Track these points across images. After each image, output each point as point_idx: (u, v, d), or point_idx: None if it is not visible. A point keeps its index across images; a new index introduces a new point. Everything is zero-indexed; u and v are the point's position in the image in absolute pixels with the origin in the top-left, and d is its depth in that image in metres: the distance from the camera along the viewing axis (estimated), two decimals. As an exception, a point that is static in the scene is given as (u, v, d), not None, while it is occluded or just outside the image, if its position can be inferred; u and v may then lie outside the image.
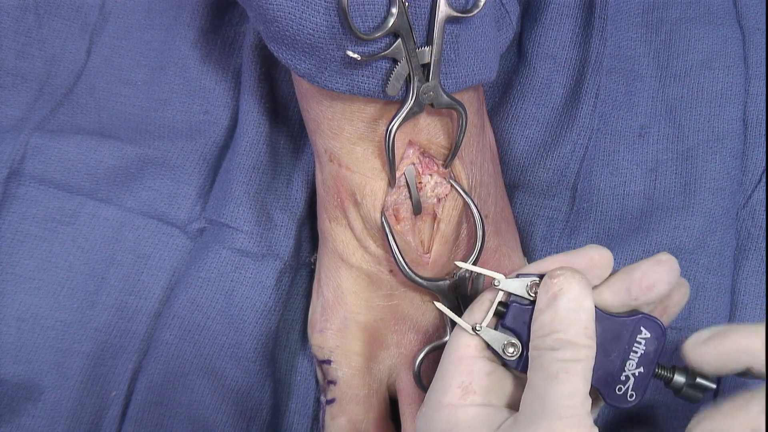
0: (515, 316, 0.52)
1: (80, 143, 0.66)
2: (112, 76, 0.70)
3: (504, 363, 0.53)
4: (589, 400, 0.47)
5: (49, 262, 0.63)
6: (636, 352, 0.51)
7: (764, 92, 0.65)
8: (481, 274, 0.59)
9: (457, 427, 0.50)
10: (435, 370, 0.61)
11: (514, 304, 0.52)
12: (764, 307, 0.65)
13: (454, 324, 0.59)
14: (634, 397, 0.52)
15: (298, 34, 0.47)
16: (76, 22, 0.70)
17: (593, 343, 0.48)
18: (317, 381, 0.66)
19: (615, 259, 0.62)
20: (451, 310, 0.58)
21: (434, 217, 0.58)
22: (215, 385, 0.62)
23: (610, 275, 0.53)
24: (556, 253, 0.65)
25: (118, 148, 0.67)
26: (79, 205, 0.65)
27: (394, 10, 0.47)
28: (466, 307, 0.58)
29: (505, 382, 0.53)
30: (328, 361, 0.61)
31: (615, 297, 0.53)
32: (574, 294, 0.49)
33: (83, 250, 0.64)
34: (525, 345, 0.52)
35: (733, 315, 0.65)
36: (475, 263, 0.58)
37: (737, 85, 0.65)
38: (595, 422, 0.48)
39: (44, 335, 0.62)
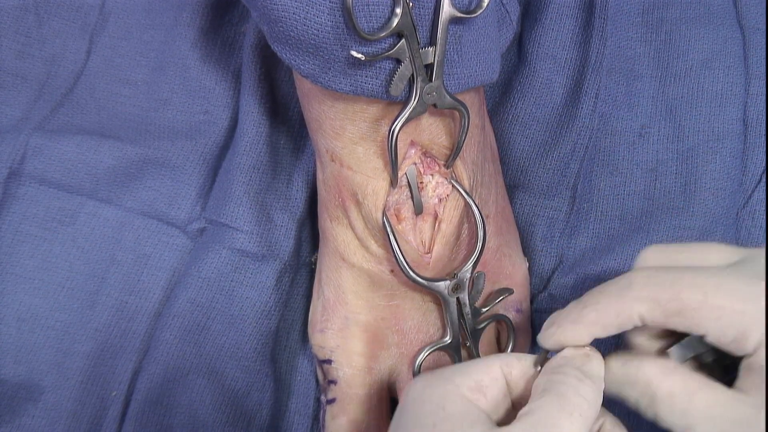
0: None
1: (80, 143, 0.66)
2: (112, 76, 0.70)
3: None
4: None
5: (49, 262, 0.63)
6: None
7: (764, 92, 0.65)
8: (481, 273, 0.59)
9: None
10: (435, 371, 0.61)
11: None
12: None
13: (455, 325, 0.59)
14: None
15: (302, 34, 0.47)
16: (76, 22, 0.70)
17: None
18: (317, 381, 0.66)
19: (615, 259, 0.63)
20: (451, 312, 0.59)
21: (435, 217, 0.58)
22: (215, 385, 0.62)
23: None
24: (556, 253, 0.65)
25: (118, 148, 0.67)
26: (79, 206, 0.65)
27: (399, 11, 0.47)
28: (466, 309, 0.59)
29: None
30: (329, 361, 0.61)
31: None
32: None
33: (83, 250, 0.64)
34: None
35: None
36: (475, 263, 0.58)
37: (737, 85, 0.65)
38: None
39: (44, 335, 0.62)
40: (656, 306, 0.46)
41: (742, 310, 0.44)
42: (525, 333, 0.65)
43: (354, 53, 0.47)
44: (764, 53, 0.66)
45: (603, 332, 0.48)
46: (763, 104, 0.65)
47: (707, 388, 0.46)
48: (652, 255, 0.51)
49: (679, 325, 0.46)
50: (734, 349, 0.45)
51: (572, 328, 0.48)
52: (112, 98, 0.69)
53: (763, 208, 0.65)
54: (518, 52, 0.71)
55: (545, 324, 0.50)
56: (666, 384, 0.46)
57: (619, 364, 0.48)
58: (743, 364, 0.45)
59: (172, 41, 0.69)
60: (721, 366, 0.49)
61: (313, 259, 0.67)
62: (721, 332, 0.44)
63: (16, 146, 0.65)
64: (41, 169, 0.65)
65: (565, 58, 0.69)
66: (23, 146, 0.65)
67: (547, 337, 0.49)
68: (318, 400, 0.66)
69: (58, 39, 0.70)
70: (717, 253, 0.48)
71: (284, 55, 0.50)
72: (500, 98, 0.70)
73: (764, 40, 0.67)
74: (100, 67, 0.70)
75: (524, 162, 0.68)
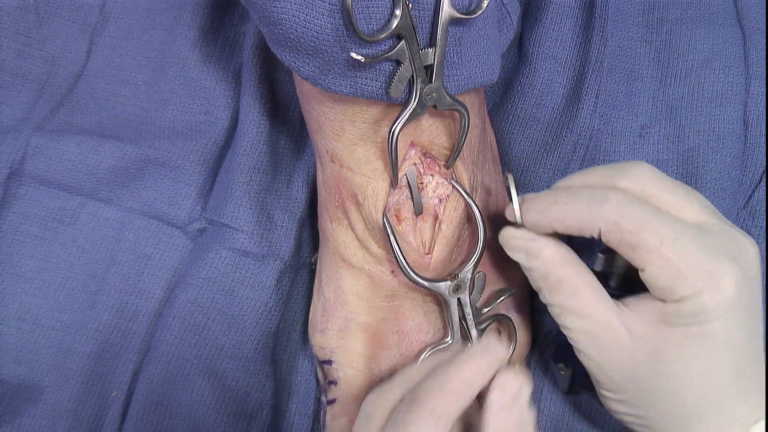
0: (560, 353, 0.61)
1: (80, 143, 0.66)
2: (113, 76, 0.70)
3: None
4: None
5: (50, 262, 0.63)
6: None
7: (764, 92, 0.65)
8: (482, 274, 0.59)
9: None
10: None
11: (557, 345, 0.62)
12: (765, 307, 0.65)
13: (456, 326, 0.59)
14: None
15: (302, 37, 0.47)
16: (76, 22, 0.70)
17: None
18: (317, 381, 0.66)
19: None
20: (452, 313, 0.58)
21: (436, 217, 0.58)
22: (215, 386, 0.62)
23: None
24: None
25: (118, 148, 0.67)
26: (79, 206, 0.65)
27: (398, 12, 0.47)
28: (467, 309, 0.59)
29: None
30: (329, 362, 0.61)
31: None
32: None
33: (83, 251, 0.64)
34: (574, 367, 0.60)
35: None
36: (476, 264, 0.58)
37: (738, 86, 0.65)
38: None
39: (45, 335, 0.62)
40: (617, 232, 0.50)
41: (684, 272, 0.49)
42: (526, 333, 0.65)
43: (354, 55, 0.47)
44: (764, 53, 0.66)
45: (561, 230, 0.53)
46: (764, 104, 0.65)
47: (594, 291, 0.53)
48: (646, 174, 0.54)
49: (626, 254, 0.51)
50: (656, 292, 0.51)
51: (535, 217, 0.54)
52: (113, 98, 0.69)
53: (764, 208, 0.65)
54: (518, 52, 0.71)
55: (518, 198, 0.55)
56: (560, 271, 0.53)
57: (529, 237, 0.55)
58: (648, 296, 0.52)
59: (172, 41, 0.69)
60: (621, 278, 0.57)
61: (313, 260, 0.67)
62: (658, 278, 0.50)
63: (16, 146, 0.65)
64: (41, 169, 0.65)
65: (566, 58, 0.68)
66: (23, 146, 0.65)
67: (517, 210, 0.55)
68: (318, 400, 0.66)
69: (59, 39, 0.70)
70: (694, 210, 0.53)
71: (284, 57, 0.50)
72: (500, 98, 0.70)
73: (764, 41, 0.67)
74: (101, 67, 0.70)
75: (525, 162, 0.67)
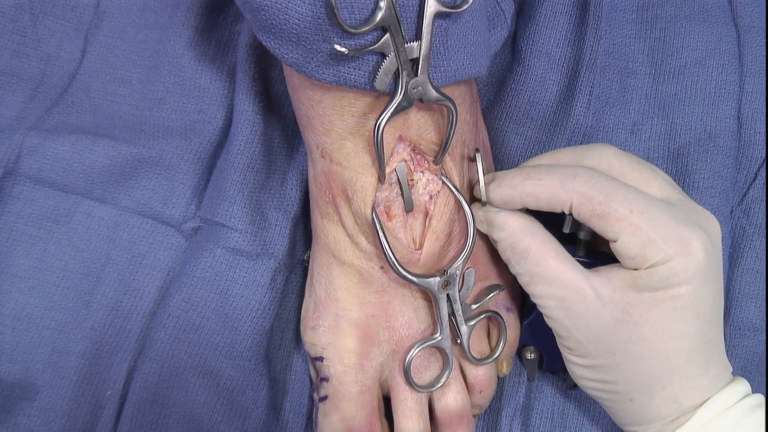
0: (529, 333, 0.65)
1: (75, 143, 0.66)
2: (107, 75, 0.70)
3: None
4: None
5: (44, 261, 0.63)
6: None
7: (760, 90, 0.65)
8: (471, 270, 0.59)
9: None
10: (426, 367, 0.61)
11: (525, 324, 0.65)
12: (763, 306, 0.64)
13: (446, 322, 0.59)
14: None
15: (283, 24, 0.47)
16: (71, 21, 0.70)
17: None
18: (311, 379, 0.65)
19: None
20: (441, 309, 0.58)
21: (426, 214, 0.58)
22: (210, 384, 0.62)
23: None
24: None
25: (113, 147, 0.67)
26: (74, 205, 0.65)
27: (382, 4, 0.46)
28: (456, 306, 0.59)
29: None
30: (321, 358, 0.61)
31: None
32: None
33: (78, 250, 0.64)
34: (542, 349, 0.65)
35: (728, 314, 0.65)
36: (465, 260, 0.58)
37: (731, 83, 0.65)
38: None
39: (39, 334, 0.62)
40: (587, 203, 0.53)
41: (654, 239, 0.51)
42: (515, 331, 0.65)
43: (337, 47, 0.47)
44: (759, 51, 0.66)
45: (533, 205, 0.56)
46: (760, 102, 0.65)
47: (562, 257, 0.55)
48: (610, 153, 0.57)
49: (597, 226, 0.53)
50: (627, 262, 0.53)
51: (508, 192, 0.56)
52: (107, 97, 0.69)
53: (759, 206, 0.64)
54: (512, 50, 0.71)
55: (488, 176, 0.58)
56: (526, 240, 0.56)
57: (493, 210, 0.58)
58: (617, 266, 0.54)
59: (166, 40, 0.69)
60: (587, 246, 0.60)
61: (306, 257, 0.67)
62: (629, 246, 0.52)
63: (11, 145, 0.65)
64: (36, 169, 0.65)
65: (560, 56, 0.68)
66: (18, 145, 0.65)
67: (483, 188, 0.58)
68: (312, 398, 0.66)
69: (53, 38, 0.70)
70: (658, 185, 0.56)
71: (269, 44, 0.50)
72: (494, 96, 0.70)
73: (759, 38, 0.67)
74: (95, 67, 0.70)
75: (519, 160, 0.67)
